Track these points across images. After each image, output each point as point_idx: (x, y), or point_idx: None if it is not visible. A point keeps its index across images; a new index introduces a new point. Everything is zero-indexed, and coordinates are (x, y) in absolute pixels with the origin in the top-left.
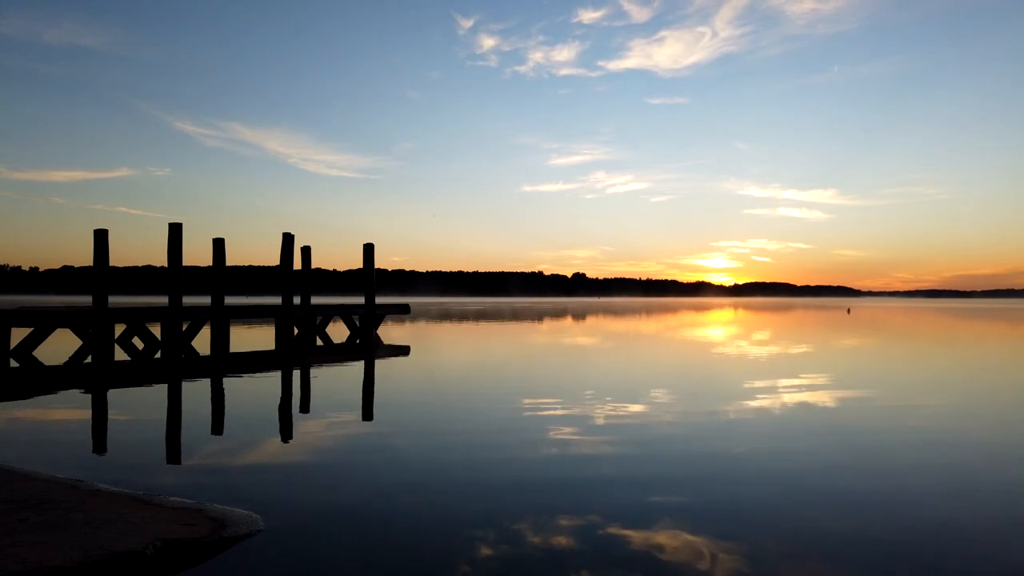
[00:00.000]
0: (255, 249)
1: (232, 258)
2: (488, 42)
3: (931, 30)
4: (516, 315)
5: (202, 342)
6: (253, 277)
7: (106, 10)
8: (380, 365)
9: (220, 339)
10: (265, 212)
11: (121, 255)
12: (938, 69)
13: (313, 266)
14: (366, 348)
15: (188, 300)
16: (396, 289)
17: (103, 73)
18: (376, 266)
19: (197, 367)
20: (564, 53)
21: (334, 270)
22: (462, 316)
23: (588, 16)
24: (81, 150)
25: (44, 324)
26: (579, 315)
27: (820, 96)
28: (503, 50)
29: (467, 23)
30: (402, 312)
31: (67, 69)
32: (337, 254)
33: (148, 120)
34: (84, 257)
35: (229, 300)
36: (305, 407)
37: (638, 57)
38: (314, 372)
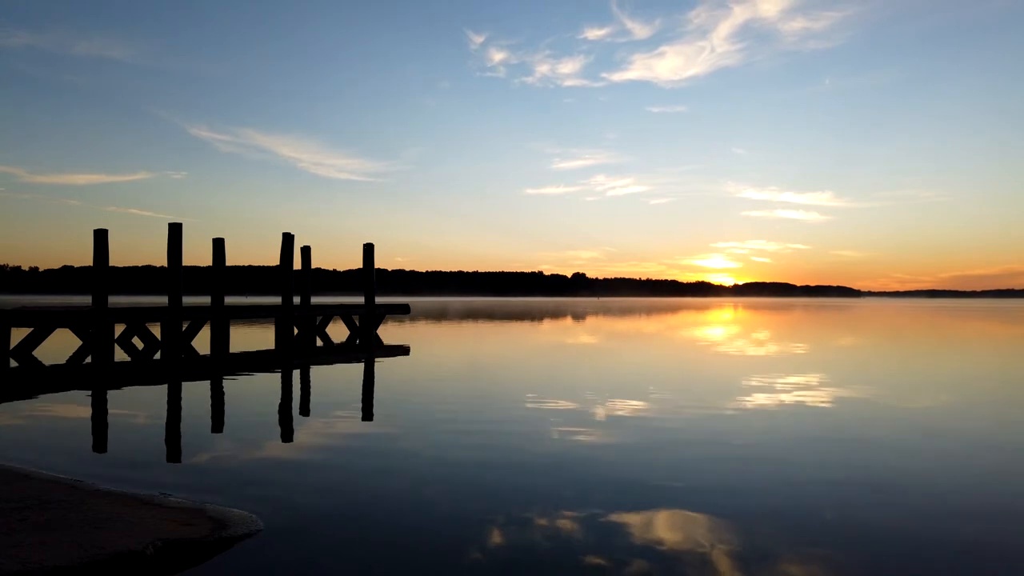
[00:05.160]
0: (259, 249)
1: (233, 258)
2: (498, 56)
3: (921, 43)
4: (516, 315)
5: (202, 342)
6: (253, 277)
7: (135, 24)
8: (380, 365)
9: (220, 339)
10: (274, 213)
11: (127, 256)
12: (929, 78)
13: (314, 266)
14: (366, 348)
15: (188, 300)
16: (396, 289)
17: (127, 83)
18: (378, 266)
19: (197, 367)
20: (569, 66)
21: (334, 270)
22: (462, 316)
23: (593, 33)
24: (102, 155)
25: (44, 324)
26: (579, 315)
27: (814, 105)
28: (511, 63)
29: (479, 39)
30: (402, 312)
31: (93, 79)
32: (341, 255)
33: (167, 127)
34: (85, 257)
35: (229, 300)
36: (305, 407)
37: (640, 69)
38: (314, 372)
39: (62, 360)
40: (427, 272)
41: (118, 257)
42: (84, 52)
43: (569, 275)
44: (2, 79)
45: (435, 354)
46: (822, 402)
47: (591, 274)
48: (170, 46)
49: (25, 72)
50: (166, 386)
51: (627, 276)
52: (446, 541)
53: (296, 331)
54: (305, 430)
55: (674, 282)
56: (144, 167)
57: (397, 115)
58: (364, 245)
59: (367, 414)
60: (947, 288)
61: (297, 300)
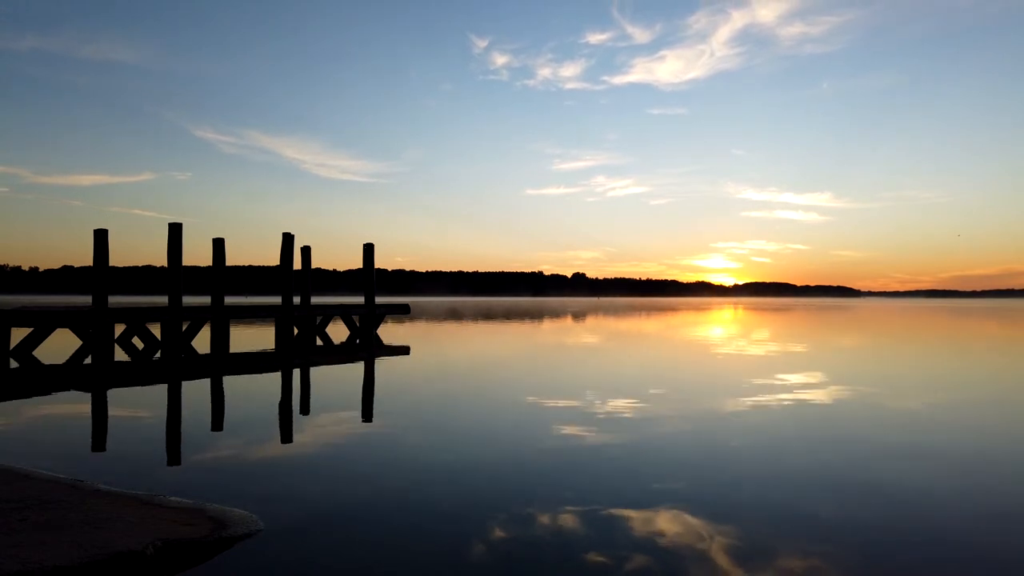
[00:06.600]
0: (260, 249)
1: (233, 258)
2: (500, 59)
3: (920, 45)
4: (516, 315)
5: (202, 342)
6: (253, 277)
7: (138, 26)
8: (380, 365)
9: (220, 339)
10: (275, 214)
11: (129, 256)
12: (928, 80)
13: (314, 266)
14: (366, 348)
15: (188, 300)
16: (396, 289)
17: (131, 85)
18: (378, 266)
19: (197, 367)
20: (571, 69)
21: (334, 270)
22: (462, 316)
23: (595, 38)
24: (107, 156)
25: (44, 324)
26: (579, 315)
27: (813, 107)
28: (514, 66)
29: (482, 43)
30: (402, 312)
31: (97, 81)
32: (341, 255)
33: (172, 128)
34: (86, 257)
35: (229, 300)
36: (305, 407)
37: (640, 73)
38: (314, 372)
39: (62, 360)
40: (427, 272)
41: (121, 257)
42: (89, 55)
43: (569, 275)
44: (8, 81)
45: (435, 354)
46: (822, 402)
47: (591, 274)
48: (173, 48)
49: (31, 74)
50: (166, 386)
51: (627, 276)
52: (446, 541)
53: (296, 331)
54: (305, 430)
55: (674, 282)
56: (148, 168)
57: (399, 116)
58: (364, 245)
59: (367, 414)
60: (947, 288)
61: (297, 300)
